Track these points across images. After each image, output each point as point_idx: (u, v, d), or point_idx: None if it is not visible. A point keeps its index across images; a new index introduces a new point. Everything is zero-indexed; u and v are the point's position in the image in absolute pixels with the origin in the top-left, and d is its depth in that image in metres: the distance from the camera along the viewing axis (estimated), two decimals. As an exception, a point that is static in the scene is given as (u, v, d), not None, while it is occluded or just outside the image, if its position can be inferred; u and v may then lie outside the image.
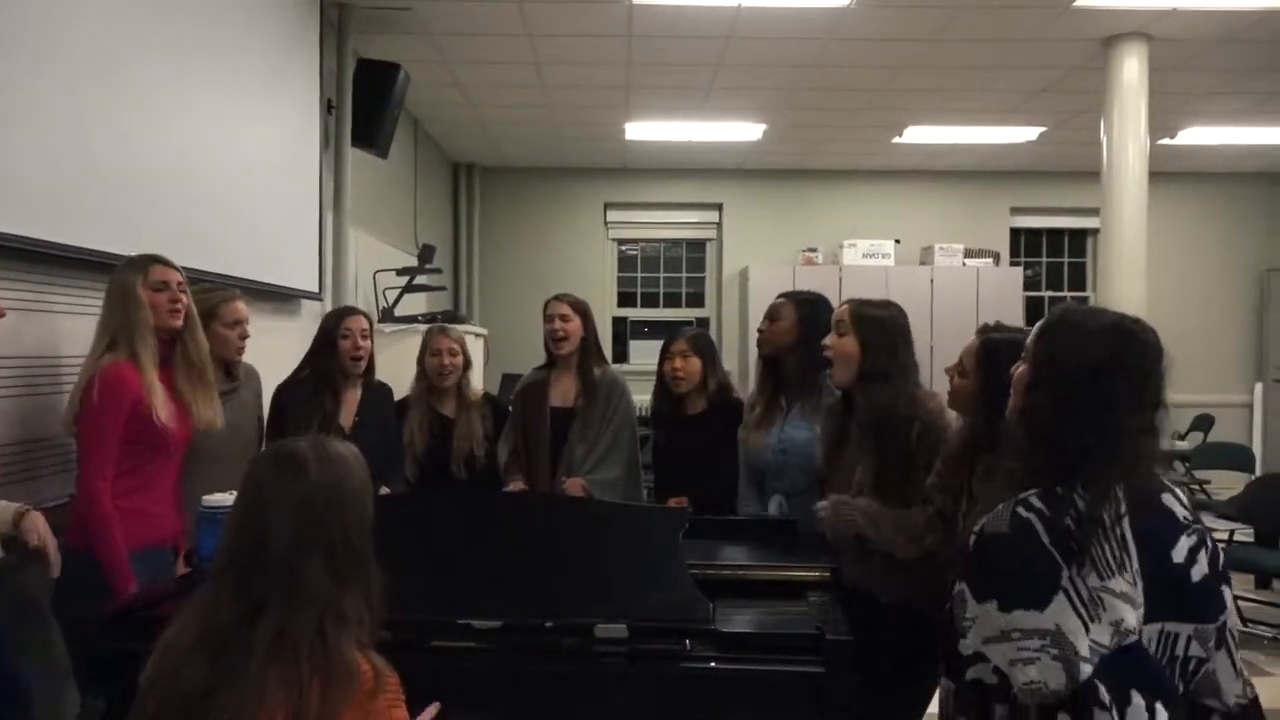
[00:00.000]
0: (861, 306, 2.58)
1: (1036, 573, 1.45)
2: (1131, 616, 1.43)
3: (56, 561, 2.16)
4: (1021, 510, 1.48)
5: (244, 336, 2.96)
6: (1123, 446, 1.49)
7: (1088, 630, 1.42)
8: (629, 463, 3.41)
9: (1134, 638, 1.43)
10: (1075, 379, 1.53)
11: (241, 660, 1.32)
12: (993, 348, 2.13)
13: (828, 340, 2.60)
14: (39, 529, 2.15)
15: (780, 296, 3.09)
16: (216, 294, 2.94)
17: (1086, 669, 1.42)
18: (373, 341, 3.31)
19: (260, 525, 1.37)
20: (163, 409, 2.41)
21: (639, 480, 3.50)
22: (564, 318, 3.43)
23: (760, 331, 3.08)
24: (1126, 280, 5.65)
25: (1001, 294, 8.38)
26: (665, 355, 3.39)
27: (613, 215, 9.27)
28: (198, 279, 3.26)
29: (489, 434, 3.51)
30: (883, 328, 2.51)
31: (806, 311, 2.94)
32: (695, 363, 3.33)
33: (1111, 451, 1.48)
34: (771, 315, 3.05)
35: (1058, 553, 1.45)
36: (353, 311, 3.38)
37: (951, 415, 2.38)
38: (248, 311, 2.98)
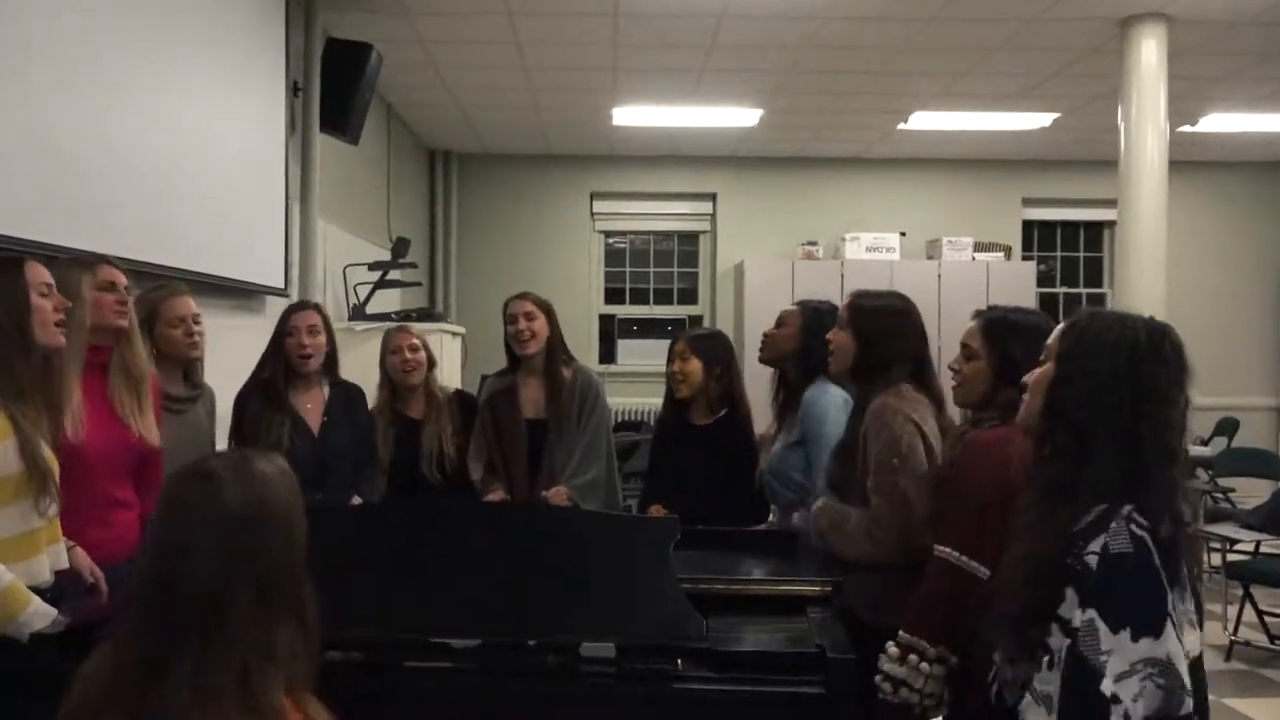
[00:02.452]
0: (860, 299, 2.60)
1: (1157, 596, 1.43)
2: (1194, 634, 1.46)
3: (105, 590, 2.29)
4: (1135, 528, 1.45)
5: (191, 333, 2.88)
6: (1177, 447, 1.49)
7: (1185, 657, 1.42)
8: (607, 467, 3.42)
9: (1194, 655, 1.47)
10: (1113, 369, 1.51)
11: (158, 707, 1.25)
12: (996, 322, 2.18)
13: (830, 334, 2.64)
14: (89, 562, 2.29)
15: (795, 304, 3.16)
16: (158, 293, 2.90)
17: (1189, 704, 1.40)
18: (327, 337, 3.29)
19: (173, 553, 1.31)
20: (76, 422, 2.32)
21: (616, 481, 3.51)
22: (528, 316, 3.42)
23: (765, 336, 3.10)
24: (1145, 275, 5.68)
25: (1013, 290, 8.40)
26: (669, 356, 3.40)
27: (599, 206, 9.26)
28: (154, 273, 3.26)
29: (458, 429, 3.52)
30: (879, 321, 2.53)
31: (810, 318, 2.97)
32: (695, 365, 3.32)
33: (1172, 453, 1.48)
34: (779, 321, 3.10)
35: (1165, 574, 1.43)
36: (301, 306, 3.37)
37: (915, 408, 2.41)
38: (195, 306, 2.92)
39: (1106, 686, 1.39)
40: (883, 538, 2.37)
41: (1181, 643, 1.42)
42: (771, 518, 3.00)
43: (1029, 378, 1.67)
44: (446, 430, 3.51)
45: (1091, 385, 1.52)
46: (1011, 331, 2.14)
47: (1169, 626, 1.40)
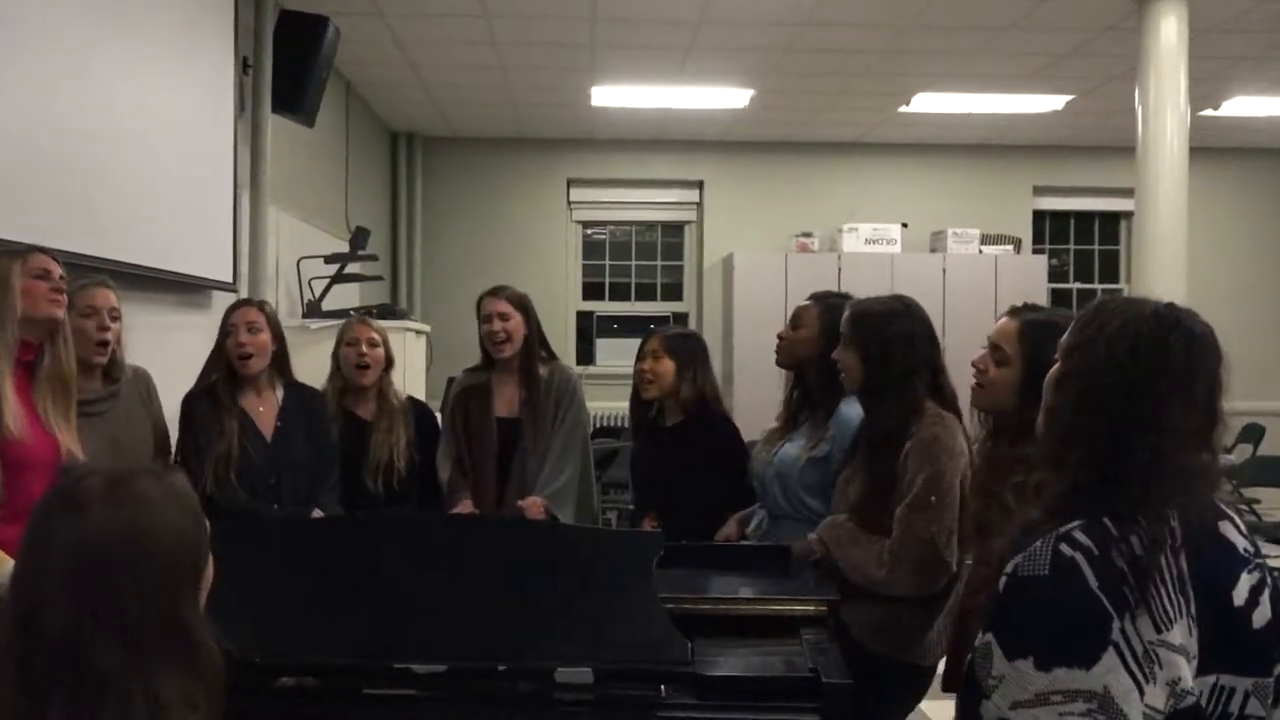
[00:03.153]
0: (861, 312, 2.62)
1: (1082, 624, 1.37)
2: (1188, 672, 1.37)
3: None
4: (1065, 548, 1.40)
5: (104, 328, 2.83)
6: (1170, 456, 1.43)
7: (1142, 693, 1.35)
8: (582, 467, 3.44)
9: (1191, 699, 1.38)
10: (1107, 367, 1.47)
11: None
12: (1038, 326, 2.13)
13: (835, 354, 2.65)
14: None
15: (810, 298, 3.12)
16: (76, 283, 2.88)
17: None
18: (274, 335, 3.28)
19: (33, 589, 1.21)
20: (12, 418, 2.33)
21: (592, 487, 3.53)
22: (503, 316, 3.44)
23: (780, 339, 3.09)
24: (1164, 270, 5.71)
25: (1023, 285, 8.41)
26: (639, 354, 3.41)
27: (577, 194, 9.26)
28: (84, 265, 3.23)
29: (411, 441, 3.51)
30: (882, 335, 2.55)
31: (831, 317, 2.92)
32: (667, 365, 3.34)
33: (1159, 462, 1.42)
34: (795, 321, 3.07)
35: (1108, 600, 1.36)
36: (241, 303, 3.37)
37: (958, 440, 2.44)
38: (115, 300, 2.88)
39: (991, 711, 1.39)
40: (896, 570, 2.44)
41: (1147, 676, 1.36)
42: (759, 522, 3.00)
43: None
44: (399, 440, 3.50)
45: (1080, 387, 1.49)
46: (1054, 338, 2.09)
47: (1110, 657, 1.35)
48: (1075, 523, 1.42)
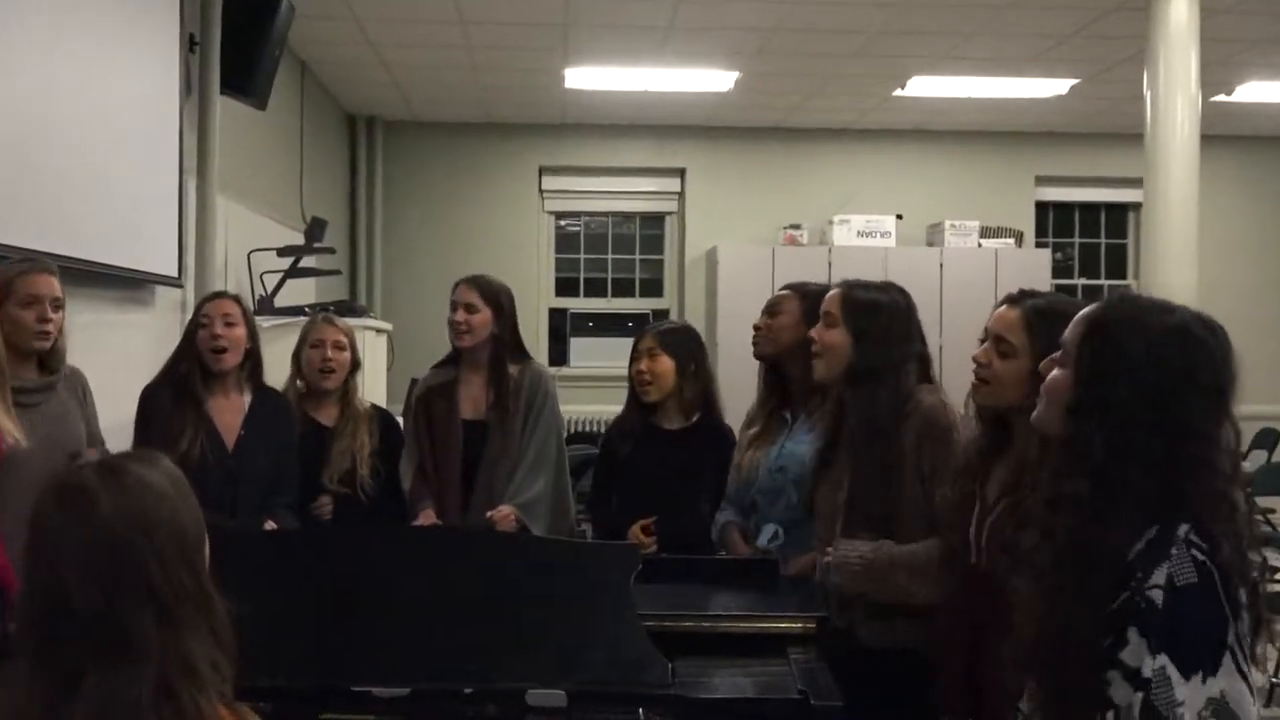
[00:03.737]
0: (853, 290, 2.62)
1: (1221, 631, 1.44)
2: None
3: None
4: (1197, 553, 1.45)
5: (44, 319, 2.81)
6: (1220, 462, 1.51)
7: (1253, 696, 1.44)
8: (556, 476, 3.44)
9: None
10: (1131, 406, 1.51)
11: None
12: (1043, 313, 2.13)
13: (813, 332, 2.64)
14: None
15: (784, 288, 3.14)
16: (16, 266, 2.85)
17: None
18: (249, 334, 3.29)
19: (54, 580, 1.34)
20: None
21: (568, 499, 3.53)
22: (469, 306, 3.45)
23: (756, 329, 3.11)
24: (1174, 265, 5.75)
25: (1025, 281, 8.27)
26: (633, 355, 3.41)
27: (549, 182, 9.26)
28: (15, 258, 3.20)
29: (376, 452, 3.51)
30: (879, 316, 2.55)
31: (811, 304, 2.95)
32: (666, 364, 3.35)
33: (1214, 466, 1.50)
34: (771, 309, 3.09)
35: (1228, 605, 1.45)
36: (218, 295, 3.37)
37: (955, 413, 2.44)
38: (59, 289, 2.87)
39: None
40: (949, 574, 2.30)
41: (1249, 679, 1.43)
42: (774, 533, 2.99)
43: (1046, 366, 1.67)
44: (363, 448, 3.50)
45: (1110, 424, 1.52)
46: (1061, 325, 2.11)
47: (1227, 661, 1.42)
48: (1185, 525, 1.47)
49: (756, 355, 3.14)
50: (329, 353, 3.52)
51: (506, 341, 3.50)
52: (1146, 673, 1.42)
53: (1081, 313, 1.64)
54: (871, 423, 2.52)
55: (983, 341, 2.24)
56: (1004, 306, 2.23)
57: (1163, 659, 1.42)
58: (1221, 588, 1.44)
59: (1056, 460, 1.59)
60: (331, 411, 3.55)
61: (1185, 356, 1.52)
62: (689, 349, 3.40)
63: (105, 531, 1.34)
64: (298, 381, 3.59)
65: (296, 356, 3.59)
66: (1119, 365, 1.52)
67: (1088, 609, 1.48)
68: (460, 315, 3.45)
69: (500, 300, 3.50)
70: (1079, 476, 1.53)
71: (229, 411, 3.24)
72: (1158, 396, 1.50)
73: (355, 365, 3.61)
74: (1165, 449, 1.49)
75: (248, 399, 3.29)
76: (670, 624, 2.16)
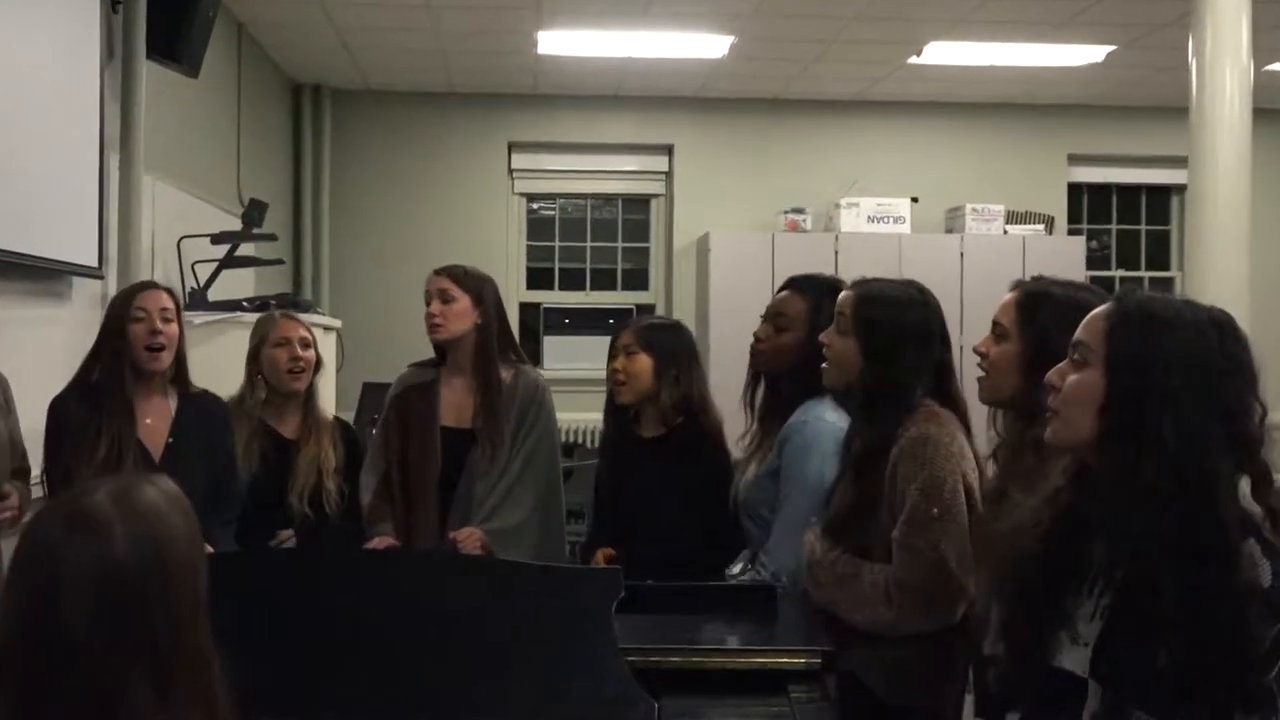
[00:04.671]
0: (866, 293, 2.63)
1: None
2: None
3: None
4: None
5: None
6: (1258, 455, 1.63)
7: None
8: (545, 494, 3.43)
9: None
10: (1186, 382, 1.61)
11: None
12: (1033, 294, 2.29)
13: (825, 336, 2.66)
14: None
15: (786, 285, 3.10)
16: None
17: None
18: (181, 329, 3.28)
19: (49, 619, 1.28)
20: None
21: (561, 526, 3.51)
22: (444, 295, 3.45)
23: (758, 340, 3.08)
24: (1222, 253, 5.76)
25: (1057, 272, 8.45)
26: (610, 351, 3.41)
27: (520, 160, 9.26)
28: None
29: (341, 465, 3.51)
30: (894, 323, 2.57)
31: (825, 311, 2.89)
32: (643, 363, 3.35)
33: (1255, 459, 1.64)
34: (776, 318, 3.04)
35: None
36: (149, 285, 3.37)
37: (956, 438, 2.47)
38: None
39: None
40: (906, 604, 2.44)
41: None
42: (742, 565, 3.02)
43: (1055, 378, 1.73)
44: (328, 460, 3.50)
45: (1157, 413, 1.61)
46: (1050, 305, 2.23)
47: None
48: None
49: (756, 369, 3.12)
50: (297, 350, 3.53)
51: (493, 337, 3.49)
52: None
53: (1097, 309, 1.73)
54: (866, 438, 2.59)
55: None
56: (1009, 294, 2.35)
57: None
58: None
59: (1119, 463, 1.64)
60: (291, 422, 3.56)
61: (1221, 338, 1.65)
62: (672, 350, 3.39)
63: (118, 569, 1.29)
64: (258, 389, 3.58)
65: (254, 359, 3.59)
66: (1159, 348, 1.63)
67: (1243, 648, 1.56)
68: (434, 306, 3.44)
69: (484, 291, 3.51)
70: (1157, 470, 1.59)
71: (154, 417, 3.24)
72: (1205, 372, 1.62)
73: (319, 364, 3.63)
74: (1227, 429, 1.61)
75: (174, 403, 3.28)
76: (656, 658, 2.17)
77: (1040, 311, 2.22)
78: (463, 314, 3.44)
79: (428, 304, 3.47)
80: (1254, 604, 1.55)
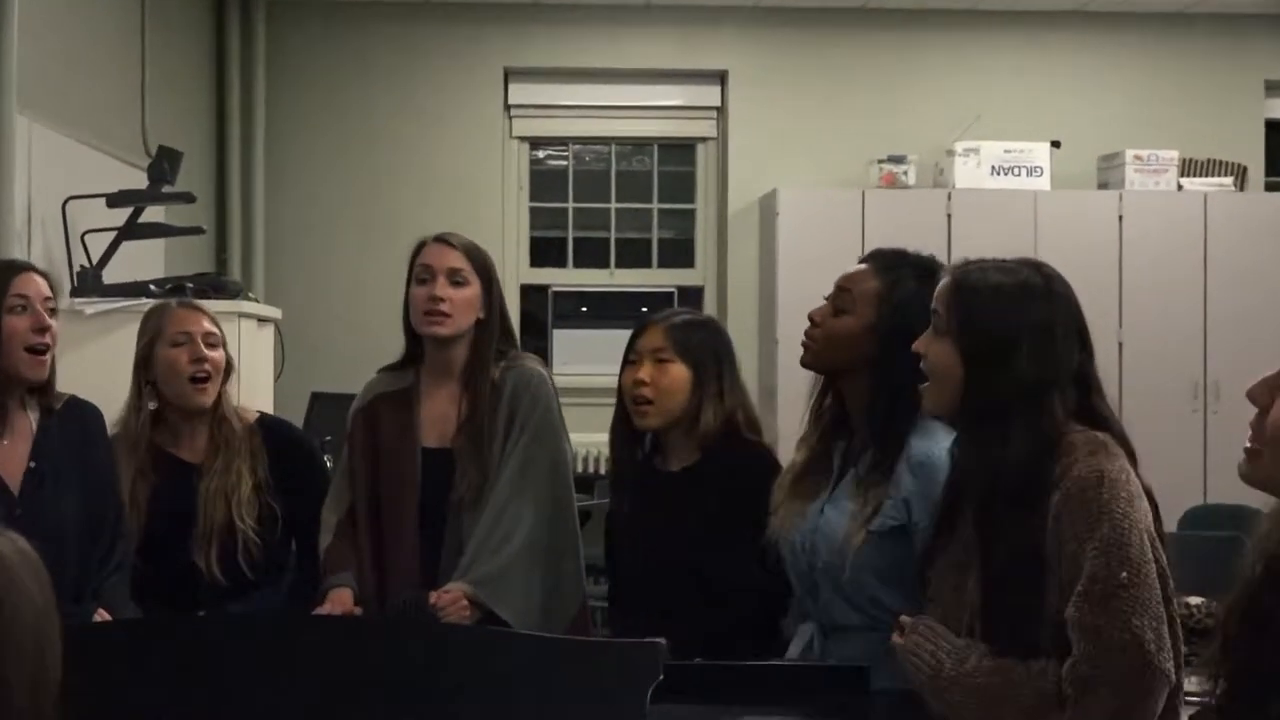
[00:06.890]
0: (967, 279, 2.63)
1: None
2: None
3: None
4: None
5: None
6: None
7: None
8: (551, 524, 3.46)
9: None
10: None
11: None
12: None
13: (919, 344, 2.65)
14: None
15: (866, 259, 3.10)
16: None
17: None
18: (53, 326, 3.32)
19: None
20: None
21: (573, 556, 3.52)
22: (453, 275, 3.46)
23: (813, 323, 3.08)
24: None
25: (1249, 238, 8.47)
26: (627, 358, 3.43)
27: (520, 93, 9.28)
28: None
29: (266, 485, 3.55)
30: (1004, 323, 2.56)
31: (902, 292, 2.94)
32: (679, 376, 3.36)
33: None
34: (838, 297, 3.05)
35: None
36: (25, 267, 3.39)
37: (1130, 474, 2.47)
38: None
39: None
40: (1091, 708, 2.38)
41: None
42: (808, 641, 3.00)
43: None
44: (243, 488, 3.54)
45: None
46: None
47: None
48: None
49: (803, 364, 3.11)
50: (202, 349, 3.55)
51: (493, 337, 3.54)
52: None
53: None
54: (999, 482, 2.53)
55: None
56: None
57: None
58: None
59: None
60: (195, 442, 3.58)
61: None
62: (715, 356, 3.41)
63: None
64: (147, 403, 3.60)
65: (144, 363, 3.61)
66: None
67: None
68: (441, 288, 3.45)
69: (490, 271, 3.55)
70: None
71: (10, 439, 3.27)
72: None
73: (229, 369, 3.65)
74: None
75: (35, 416, 3.32)
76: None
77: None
78: (472, 303, 3.47)
79: (420, 283, 3.47)
80: None
